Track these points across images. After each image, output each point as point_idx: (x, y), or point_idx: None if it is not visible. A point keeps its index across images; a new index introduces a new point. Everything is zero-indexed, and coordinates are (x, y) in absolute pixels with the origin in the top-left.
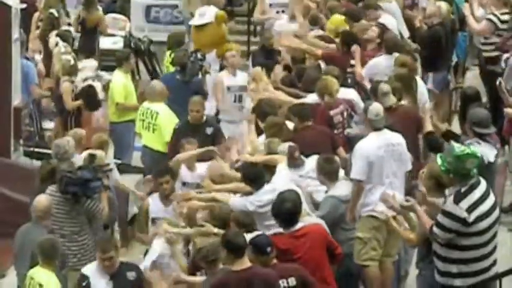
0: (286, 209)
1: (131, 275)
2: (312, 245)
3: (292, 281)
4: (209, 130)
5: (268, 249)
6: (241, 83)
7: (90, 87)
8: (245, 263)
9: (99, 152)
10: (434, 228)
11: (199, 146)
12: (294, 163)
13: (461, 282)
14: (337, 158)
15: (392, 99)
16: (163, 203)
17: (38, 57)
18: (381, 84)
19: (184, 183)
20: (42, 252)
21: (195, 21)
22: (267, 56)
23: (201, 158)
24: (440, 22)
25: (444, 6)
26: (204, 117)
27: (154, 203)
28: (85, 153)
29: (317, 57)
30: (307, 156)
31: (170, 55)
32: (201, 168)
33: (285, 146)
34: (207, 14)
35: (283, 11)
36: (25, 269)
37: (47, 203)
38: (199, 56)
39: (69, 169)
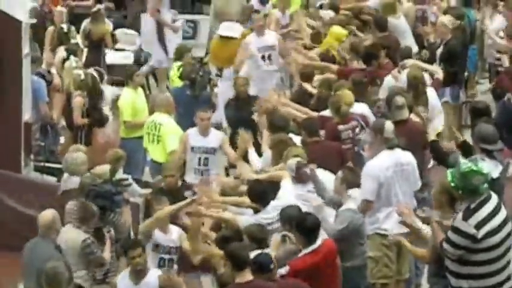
0: (310, 225)
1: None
2: (327, 262)
3: None
4: (188, 194)
5: (271, 266)
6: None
7: (98, 111)
8: (247, 276)
9: (106, 168)
10: (445, 244)
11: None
12: (302, 179)
13: None
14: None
15: (405, 113)
16: (133, 280)
17: (54, 70)
18: (397, 97)
19: (156, 245)
20: (46, 281)
21: (223, 31)
22: (241, 107)
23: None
24: (453, 37)
25: (451, 20)
26: (180, 182)
27: (122, 282)
28: (99, 168)
29: (332, 72)
30: None
31: (179, 69)
32: (175, 232)
33: (293, 162)
34: (235, 28)
35: (269, 56)
36: (32, 284)
37: (51, 217)
38: (207, 69)
39: (94, 182)
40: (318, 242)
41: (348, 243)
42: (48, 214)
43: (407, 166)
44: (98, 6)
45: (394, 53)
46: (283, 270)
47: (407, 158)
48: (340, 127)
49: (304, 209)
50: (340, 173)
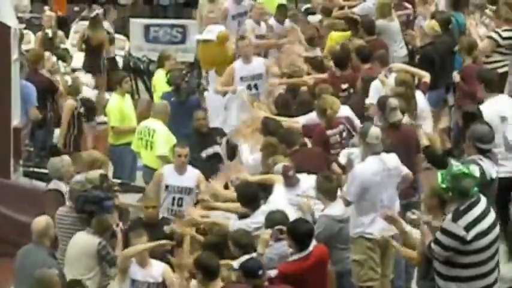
0: (303, 231)
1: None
2: (318, 269)
3: None
4: (167, 228)
5: (260, 272)
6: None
7: (88, 100)
8: (218, 284)
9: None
10: (433, 245)
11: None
12: (289, 182)
13: None
14: (336, 177)
15: (399, 115)
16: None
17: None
18: (390, 99)
19: (133, 281)
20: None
21: (201, 36)
22: (201, 142)
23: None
24: (431, 42)
25: (433, 26)
26: (161, 215)
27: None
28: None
29: (307, 86)
30: None
31: (166, 75)
32: (156, 266)
33: (279, 166)
34: (214, 30)
35: (255, 86)
36: None
37: (45, 224)
38: (195, 73)
39: (83, 188)
40: (310, 248)
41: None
42: (41, 220)
43: (394, 170)
44: (97, 11)
45: (382, 56)
46: (272, 274)
47: (392, 161)
48: (329, 132)
49: (294, 215)
50: (315, 180)
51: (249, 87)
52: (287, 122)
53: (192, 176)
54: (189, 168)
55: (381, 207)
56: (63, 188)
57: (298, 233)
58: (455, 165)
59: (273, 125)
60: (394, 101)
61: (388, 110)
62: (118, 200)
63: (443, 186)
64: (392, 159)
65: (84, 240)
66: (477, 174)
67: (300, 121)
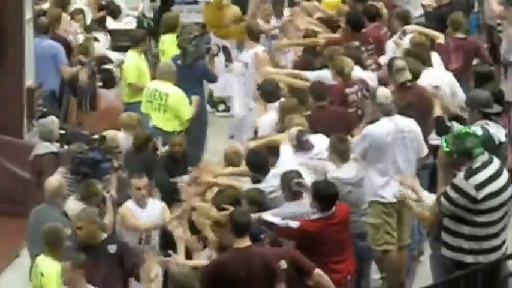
0: (331, 193)
1: (112, 248)
2: (340, 228)
3: (283, 263)
4: (112, 248)
5: (262, 236)
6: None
7: (108, 71)
8: (245, 241)
9: (111, 133)
10: (442, 199)
11: (100, 270)
12: (302, 147)
13: (472, 259)
14: (349, 138)
15: (407, 75)
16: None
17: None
18: (396, 60)
19: None
20: (46, 241)
21: None
22: (173, 168)
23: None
24: (449, 3)
25: None
26: (105, 235)
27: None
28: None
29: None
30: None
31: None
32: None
33: (293, 131)
34: None
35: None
36: (38, 250)
37: (58, 183)
38: (207, 38)
39: (80, 150)
40: (332, 209)
41: None
42: (54, 180)
43: (408, 133)
44: None
45: (403, 13)
46: (293, 224)
47: (409, 125)
48: (347, 90)
49: (308, 177)
50: (328, 141)
51: None
52: (296, 80)
53: (156, 207)
54: (150, 200)
55: (395, 170)
56: (55, 149)
57: (323, 194)
58: (458, 126)
59: (270, 85)
60: (400, 62)
61: (395, 71)
62: (118, 162)
63: (447, 150)
64: (407, 122)
65: (69, 207)
66: (479, 133)
67: (310, 77)
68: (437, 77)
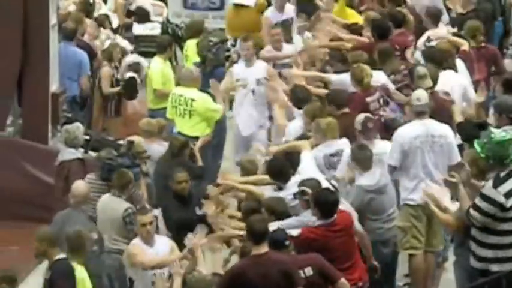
0: (330, 200)
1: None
2: (343, 235)
3: (308, 270)
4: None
5: (287, 242)
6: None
7: (132, 78)
8: (263, 248)
9: (137, 139)
10: (472, 211)
11: None
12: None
13: (498, 267)
14: (370, 146)
15: (428, 83)
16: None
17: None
18: (418, 67)
19: None
20: (68, 244)
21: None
22: (180, 208)
23: None
24: (473, 9)
25: None
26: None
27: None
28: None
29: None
30: None
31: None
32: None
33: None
34: None
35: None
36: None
37: (86, 189)
38: (227, 46)
39: (109, 156)
40: (334, 216)
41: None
42: (81, 185)
43: (439, 138)
44: None
45: (435, 13)
46: (293, 232)
47: (441, 130)
48: (368, 99)
49: (325, 182)
50: (349, 150)
51: None
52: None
53: (164, 243)
54: (157, 237)
55: (426, 175)
56: (81, 156)
57: (323, 202)
58: (497, 132)
59: (302, 92)
60: (422, 69)
61: (417, 78)
62: (146, 167)
63: (483, 155)
64: (439, 127)
65: (111, 204)
66: None
67: (332, 79)
68: (447, 81)
